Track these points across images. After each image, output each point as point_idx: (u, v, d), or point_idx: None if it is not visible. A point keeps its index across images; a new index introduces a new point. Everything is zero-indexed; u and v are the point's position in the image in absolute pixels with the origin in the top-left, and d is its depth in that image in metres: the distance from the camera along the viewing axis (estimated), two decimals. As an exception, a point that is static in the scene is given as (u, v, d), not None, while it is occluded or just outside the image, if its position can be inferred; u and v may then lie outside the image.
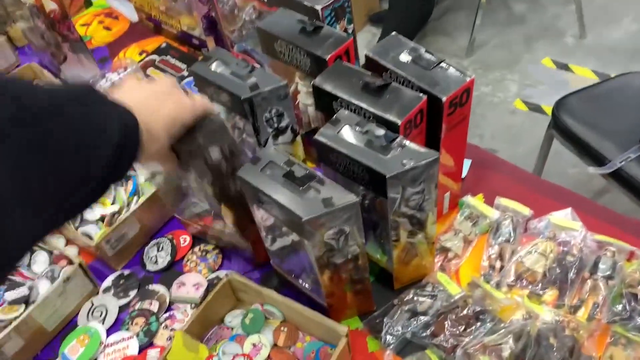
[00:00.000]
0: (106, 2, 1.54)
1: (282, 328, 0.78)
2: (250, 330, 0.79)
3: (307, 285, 0.80)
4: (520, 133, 2.08)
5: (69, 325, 0.87)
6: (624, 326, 0.72)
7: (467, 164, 0.96)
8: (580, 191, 1.75)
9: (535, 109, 2.16)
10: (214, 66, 0.81)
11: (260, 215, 0.73)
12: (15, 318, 0.80)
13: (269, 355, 0.77)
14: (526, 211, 0.85)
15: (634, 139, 1.26)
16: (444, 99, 0.70)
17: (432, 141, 0.77)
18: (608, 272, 0.76)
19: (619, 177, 1.25)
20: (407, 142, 0.67)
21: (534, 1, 2.62)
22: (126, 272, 0.92)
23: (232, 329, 0.81)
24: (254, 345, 0.77)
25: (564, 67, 2.30)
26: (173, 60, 1.28)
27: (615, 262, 0.77)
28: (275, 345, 0.78)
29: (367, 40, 2.49)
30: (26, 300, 0.84)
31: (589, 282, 0.76)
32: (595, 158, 1.30)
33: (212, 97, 0.83)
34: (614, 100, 1.42)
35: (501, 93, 2.25)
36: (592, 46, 2.36)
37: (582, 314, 0.75)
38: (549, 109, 2.04)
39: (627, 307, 0.73)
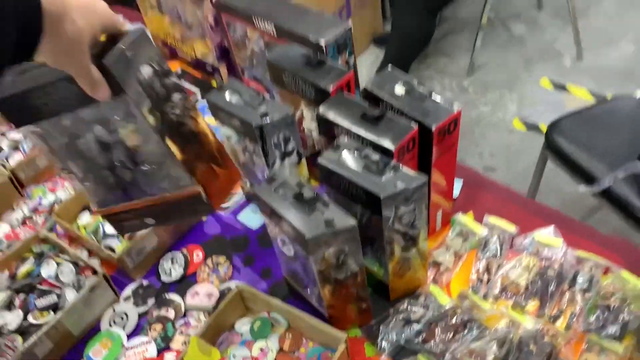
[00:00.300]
0: (124, 28, 1.63)
1: (287, 334, 0.86)
2: (258, 336, 0.86)
3: (314, 298, 0.87)
4: (519, 151, 2.15)
5: (93, 330, 0.94)
6: (598, 334, 0.78)
7: (458, 184, 1.03)
8: (575, 208, 1.81)
9: (533, 128, 2.23)
10: (227, 95, 0.90)
11: (273, 228, 0.81)
12: (46, 323, 0.88)
13: (275, 359, 0.84)
14: (512, 228, 0.93)
15: (624, 160, 1.33)
16: (433, 128, 0.78)
17: (424, 164, 0.84)
18: (585, 285, 0.83)
19: (609, 195, 1.31)
20: (400, 166, 0.74)
21: (533, 23, 2.71)
22: (145, 282, 0.99)
23: (242, 334, 0.88)
24: (262, 349, 0.85)
25: (562, 87, 2.37)
26: (188, 85, 1.37)
27: (592, 276, 0.84)
28: (281, 349, 0.85)
29: (370, 61, 2.58)
30: (55, 307, 0.92)
31: (567, 294, 0.83)
32: (587, 178, 1.36)
33: (224, 122, 0.92)
34: (605, 122, 1.49)
35: (500, 112, 2.32)
36: (589, 67, 2.43)
37: (560, 323, 0.81)
38: (546, 128, 2.10)
39: (601, 318, 0.79)
